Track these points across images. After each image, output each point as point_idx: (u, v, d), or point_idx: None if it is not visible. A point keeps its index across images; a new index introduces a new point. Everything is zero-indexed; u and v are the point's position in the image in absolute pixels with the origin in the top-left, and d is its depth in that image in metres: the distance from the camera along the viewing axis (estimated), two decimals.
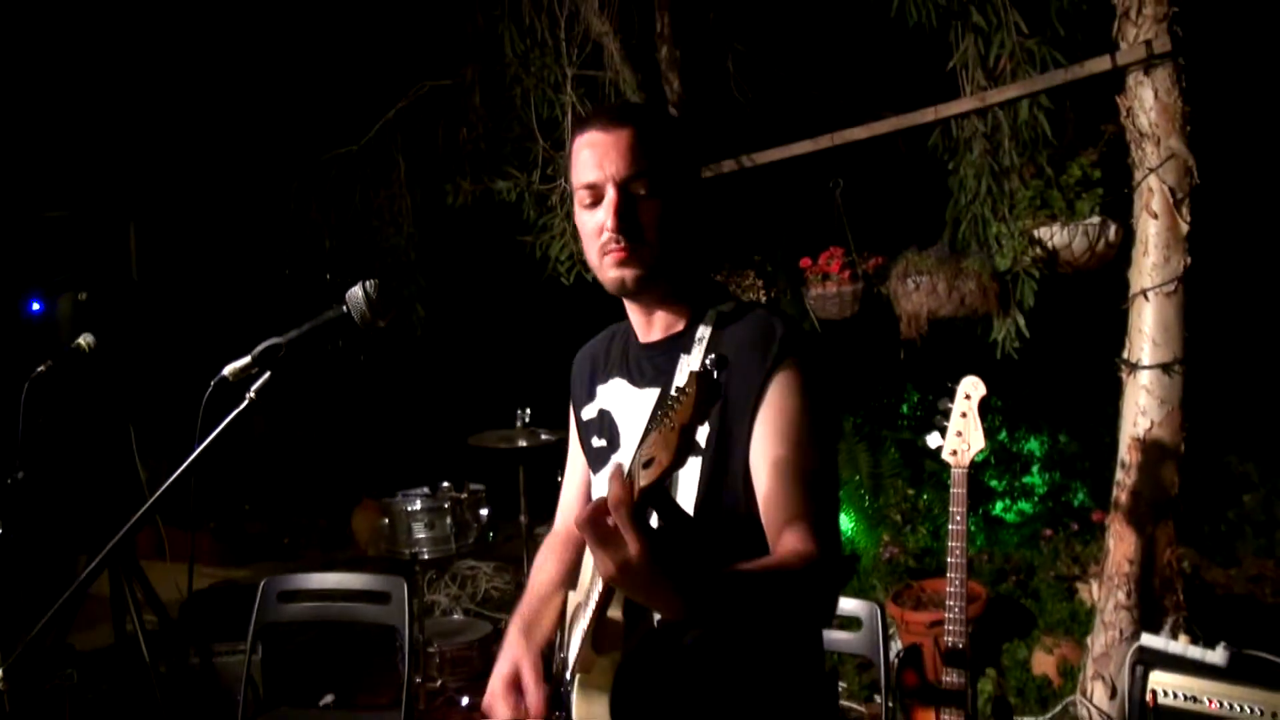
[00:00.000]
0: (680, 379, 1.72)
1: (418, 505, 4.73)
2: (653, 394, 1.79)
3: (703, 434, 1.57)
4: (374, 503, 7.36)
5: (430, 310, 5.93)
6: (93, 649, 4.57)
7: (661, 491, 1.23)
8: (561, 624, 1.92)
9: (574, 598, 1.88)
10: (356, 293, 1.67)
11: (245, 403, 1.59)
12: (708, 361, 1.28)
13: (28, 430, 3.16)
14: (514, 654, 1.85)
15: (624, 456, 1.80)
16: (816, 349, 1.71)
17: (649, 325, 1.85)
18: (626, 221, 1.67)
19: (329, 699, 4.79)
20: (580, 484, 2.08)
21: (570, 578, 1.98)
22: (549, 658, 1.88)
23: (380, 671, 5.18)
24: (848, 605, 3.05)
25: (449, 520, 4.73)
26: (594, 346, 2.05)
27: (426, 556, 4.72)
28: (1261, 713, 2.90)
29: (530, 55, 5.00)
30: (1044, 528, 5.59)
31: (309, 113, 6.12)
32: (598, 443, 1.91)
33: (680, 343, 1.79)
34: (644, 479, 1.20)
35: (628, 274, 1.71)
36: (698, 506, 1.64)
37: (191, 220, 6.83)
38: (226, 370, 1.61)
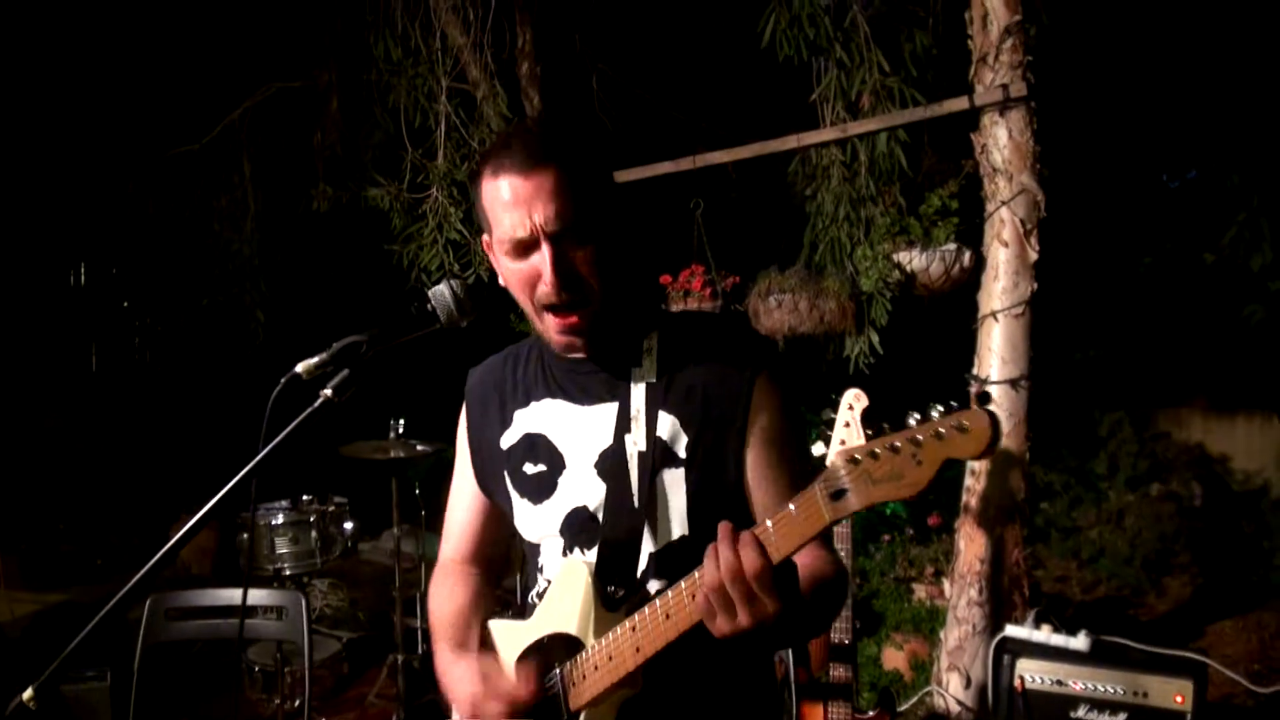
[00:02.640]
0: (638, 393, 1.68)
1: (280, 519, 4.58)
2: (607, 410, 1.70)
3: (681, 445, 1.65)
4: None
5: (276, 317, 5.76)
6: None
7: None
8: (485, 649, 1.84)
9: (514, 627, 1.80)
10: (443, 291, 1.59)
11: (320, 401, 1.54)
12: (988, 396, 1.19)
13: None
14: (470, 664, 1.75)
15: (574, 477, 1.72)
16: (780, 354, 1.75)
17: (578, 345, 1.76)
18: (566, 277, 1.57)
19: None
20: (472, 514, 1.96)
21: (479, 606, 1.90)
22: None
23: (224, 695, 5.00)
24: None
25: (314, 534, 4.61)
26: (492, 372, 1.91)
27: (289, 572, 4.59)
28: (1123, 691, 3.24)
29: (404, 64, 4.97)
30: (867, 535, 5.92)
31: (151, 109, 5.85)
32: (532, 469, 1.78)
33: (623, 355, 1.72)
34: (825, 517, 1.27)
35: (577, 341, 1.65)
36: (689, 517, 1.66)
37: (26, 217, 6.38)
38: (299, 367, 1.49)
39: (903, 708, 4.35)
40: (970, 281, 4.29)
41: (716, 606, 1.34)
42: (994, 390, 4.08)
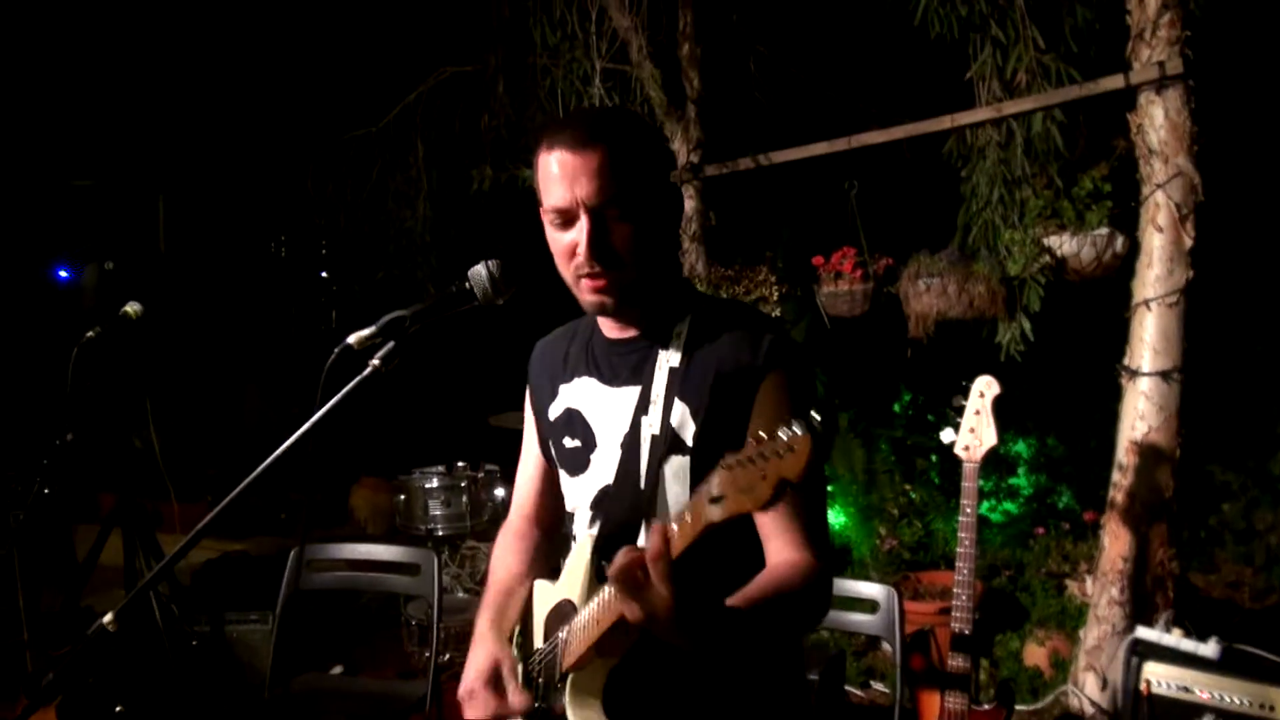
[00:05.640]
0: (660, 378, 1.73)
1: (434, 483, 4.85)
2: (631, 392, 1.77)
3: (689, 433, 1.69)
4: (373, 480, 7.48)
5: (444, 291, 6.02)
6: (104, 612, 4.64)
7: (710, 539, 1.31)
8: (527, 613, 1.91)
9: (548, 587, 1.87)
10: (480, 271, 1.69)
11: (369, 370, 1.66)
12: (815, 421, 1.21)
13: (76, 394, 3.25)
14: (491, 650, 1.79)
15: (602, 455, 1.80)
16: (802, 356, 1.74)
17: (612, 323, 1.83)
18: (600, 249, 1.63)
19: (339, 669, 4.89)
20: (535, 475, 2.06)
21: (533, 568, 1.97)
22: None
23: (382, 644, 5.30)
24: (864, 589, 3.17)
25: (464, 499, 4.85)
26: (552, 343, 2.01)
27: (441, 533, 4.84)
28: (1250, 704, 3.07)
29: (560, 48, 5.12)
30: (1031, 527, 5.77)
31: (331, 93, 6.22)
32: (570, 443, 1.87)
33: (655, 338, 1.78)
34: (705, 519, 1.27)
35: (607, 300, 1.70)
36: None
37: (217, 195, 6.89)
38: (351, 338, 1.64)
39: (1038, 705, 4.24)
40: (1123, 268, 4.12)
41: (619, 591, 1.37)
42: (1144, 382, 3.92)
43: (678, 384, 1.72)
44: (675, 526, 1.35)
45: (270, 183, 6.70)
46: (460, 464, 5.10)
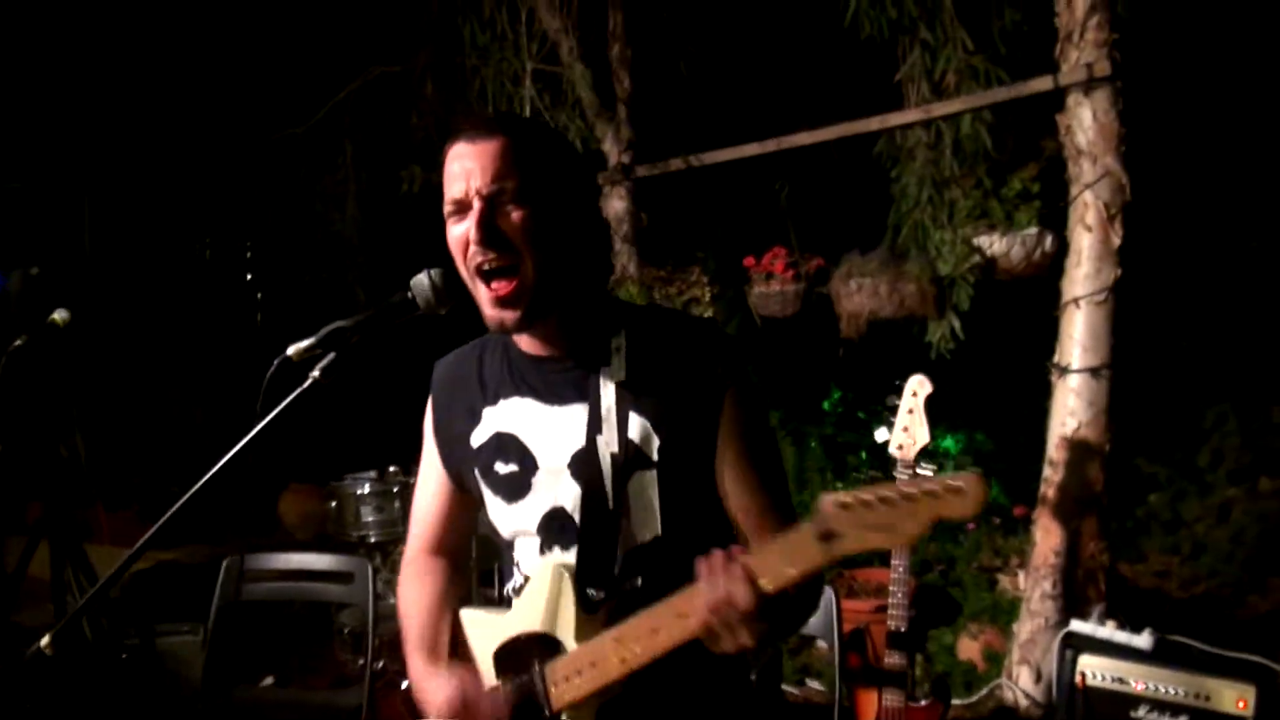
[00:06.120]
0: (608, 393, 1.67)
1: (366, 489, 4.78)
2: (577, 410, 1.70)
3: (653, 447, 1.66)
4: (301, 486, 7.34)
5: (373, 294, 5.94)
6: (33, 628, 4.51)
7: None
8: (459, 646, 1.85)
9: (487, 619, 1.81)
10: (422, 280, 1.64)
11: (309, 382, 1.61)
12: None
13: (7, 404, 3.16)
14: (449, 678, 1.75)
15: (548, 478, 1.72)
16: (745, 355, 1.75)
17: (538, 341, 1.74)
18: (490, 233, 1.56)
19: (269, 680, 4.79)
20: (440, 504, 1.95)
21: (449, 600, 1.91)
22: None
23: (315, 654, 5.20)
24: None
25: (397, 504, 4.78)
26: (457, 365, 1.91)
27: (374, 539, 4.77)
28: (1184, 693, 3.13)
29: (490, 48, 5.07)
30: (961, 522, 5.83)
31: (258, 93, 6.10)
32: (505, 468, 1.76)
33: (591, 354, 1.71)
34: (812, 560, 1.34)
35: (508, 316, 1.62)
36: (662, 518, 1.67)
37: (143, 197, 6.73)
38: (290, 350, 1.58)
39: (973, 699, 4.29)
40: (1053, 267, 4.18)
41: (718, 629, 1.41)
42: (1073, 379, 3.98)
43: (629, 398, 1.67)
44: (761, 562, 1.39)
45: (196, 184, 6.56)
46: (392, 468, 5.03)
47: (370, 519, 4.79)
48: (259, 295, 8.22)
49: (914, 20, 4.41)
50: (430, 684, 1.78)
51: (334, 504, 4.90)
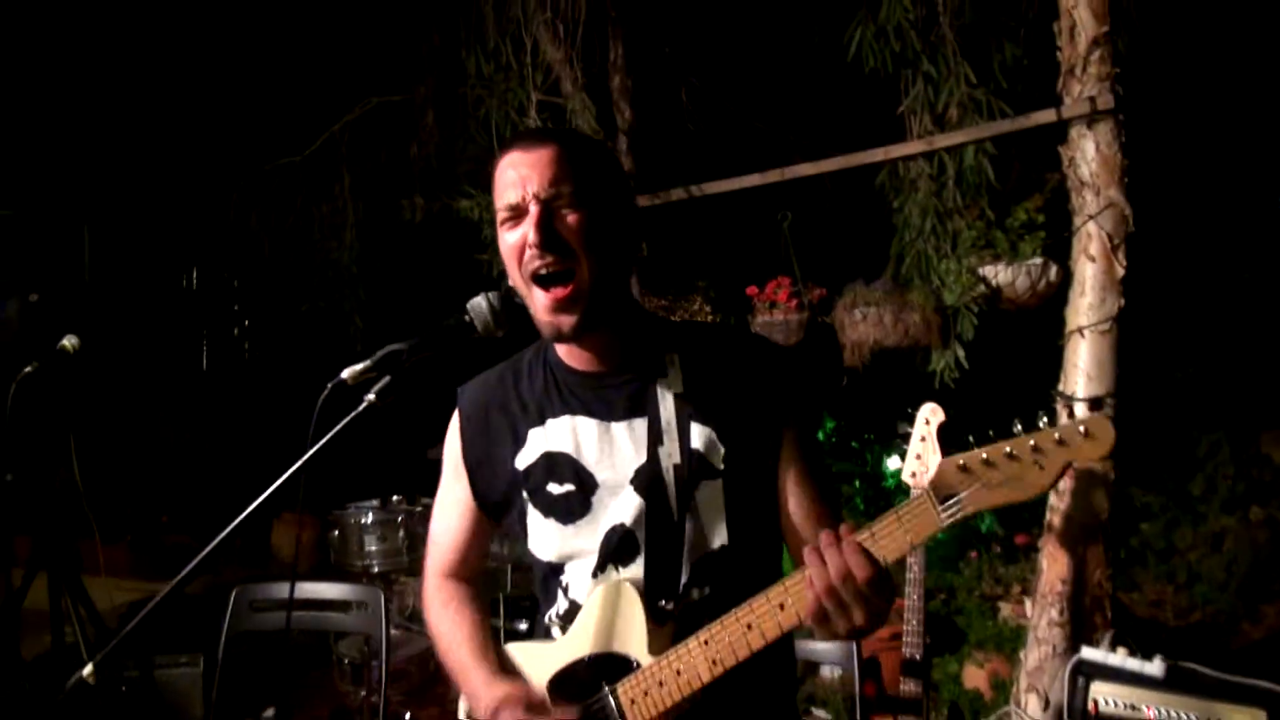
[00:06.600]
0: (667, 406, 1.68)
1: (369, 518, 4.75)
2: (637, 425, 1.71)
3: (718, 456, 1.68)
4: (294, 516, 7.28)
5: (373, 323, 5.93)
6: (31, 658, 4.46)
7: None
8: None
9: (536, 649, 1.80)
10: (480, 303, 1.66)
11: (364, 405, 1.61)
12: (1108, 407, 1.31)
13: (16, 432, 3.13)
14: (521, 685, 1.75)
15: (609, 495, 1.71)
16: (807, 368, 1.82)
17: (587, 356, 1.75)
18: (548, 235, 1.58)
19: (270, 713, 4.74)
20: (465, 529, 1.95)
21: (487, 621, 1.93)
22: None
23: (314, 684, 5.16)
24: None
25: (401, 533, 4.76)
26: (490, 389, 1.89)
27: (377, 569, 4.75)
28: (1195, 718, 3.15)
29: (495, 78, 5.09)
30: (958, 551, 5.86)
31: (256, 122, 6.10)
32: (559, 489, 1.74)
33: (645, 367, 1.73)
34: (935, 525, 1.38)
35: (565, 322, 1.62)
36: (729, 527, 1.68)
37: (143, 224, 6.71)
38: (345, 373, 1.58)
39: None
40: (1057, 297, 4.23)
41: (831, 610, 1.43)
42: (1079, 408, 4.01)
43: (689, 409, 1.69)
44: (877, 534, 1.42)
45: (193, 213, 6.54)
46: (395, 498, 5.01)
47: (374, 548, 4.77)
48: (245, 324, 8.20)
49: (917, 54, 4.46)
50: (497, 691, 1.74)
51: (336, 533, 4.87)
